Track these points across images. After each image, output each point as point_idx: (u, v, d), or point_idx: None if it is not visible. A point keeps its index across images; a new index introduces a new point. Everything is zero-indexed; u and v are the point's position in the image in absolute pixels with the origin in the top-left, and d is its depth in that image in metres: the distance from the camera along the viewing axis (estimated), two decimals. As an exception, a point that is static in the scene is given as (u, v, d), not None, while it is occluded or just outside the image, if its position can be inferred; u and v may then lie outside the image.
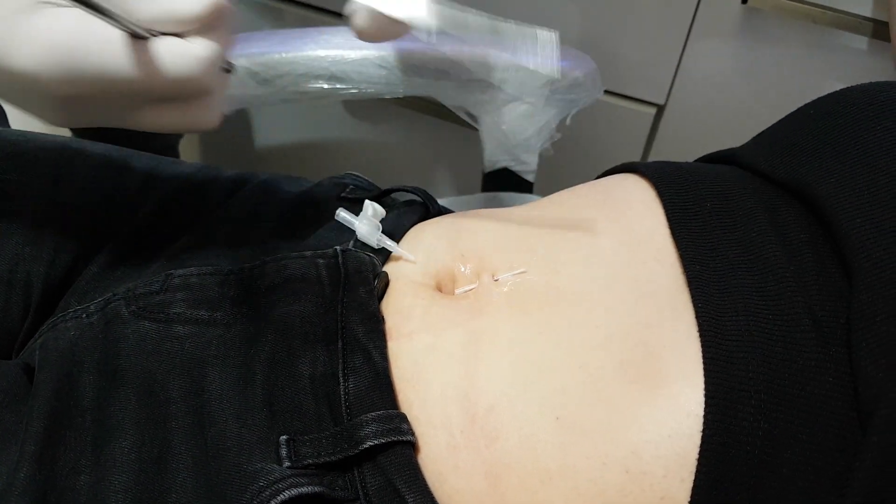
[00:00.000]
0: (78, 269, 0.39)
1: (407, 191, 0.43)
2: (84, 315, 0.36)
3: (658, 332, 0.29)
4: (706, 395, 0.26)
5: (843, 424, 0.25)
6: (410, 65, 0.57)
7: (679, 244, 0.31)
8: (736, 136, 0.41)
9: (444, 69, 0.57)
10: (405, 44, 0.56)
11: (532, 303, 0.31)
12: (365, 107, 0.88)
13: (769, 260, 0.30)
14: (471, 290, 0.34)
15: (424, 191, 0.42)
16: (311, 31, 0.57)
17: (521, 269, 0.33)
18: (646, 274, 0.31)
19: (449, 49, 0.56)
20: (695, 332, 0.28)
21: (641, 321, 0.29)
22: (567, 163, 0.81)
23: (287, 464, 0.29)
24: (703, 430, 0.26)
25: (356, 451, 0.29)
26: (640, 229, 0.33)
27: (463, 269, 0.35)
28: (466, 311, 0.32)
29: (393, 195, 0.45)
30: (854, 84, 0.34)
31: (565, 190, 0.39)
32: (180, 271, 0.35)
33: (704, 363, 0.27)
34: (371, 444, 0.28)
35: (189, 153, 1.15)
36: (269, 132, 0.98)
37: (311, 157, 0.98)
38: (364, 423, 0.29)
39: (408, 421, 0.29)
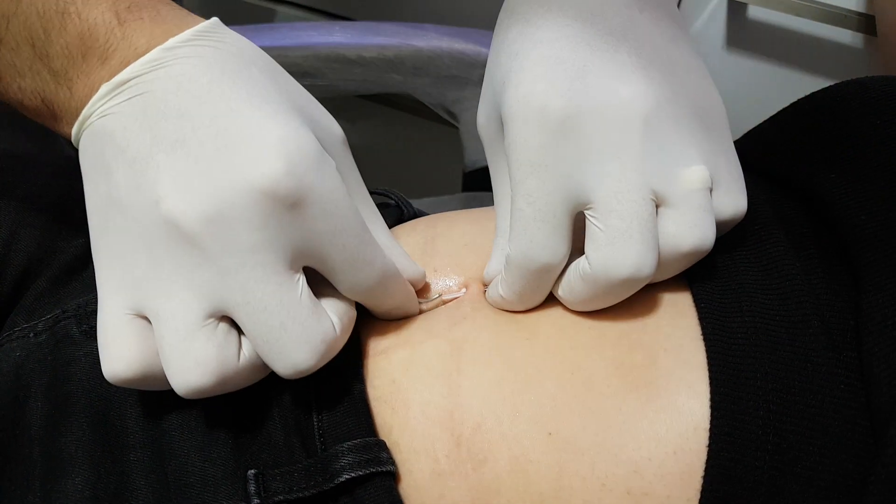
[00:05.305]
0: (26, 283, 0.36)
1: (378, 193, 0.41)
2: (31, 334, 0.33)
3: (655, 331, 0.27)
4: (712, 407, 0.24)
5: (855, 436, 0.24)
6: (387, 60, 0.55)
7: None
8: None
9: (422, 65, 0.55)
10: (382, 38, 0.54)
11: None
12: (339, 104, 0.86)
13: (774, 255, 0.28)
14: (454, 298, 0.31)
15: (397, 192, 0.40)
16: (282, 25, 0.55)
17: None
18: None
19: (426, 43, 0.54)
20: (697, 333, 0.26)
21: (636, 318, 0.27)
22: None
23: (256, 500, 0.27)
24: (710, 446, 0.24)
25: (331, 485, 0.26)
26: None
27: (444, 280, 0.33)
28: (446, 318, 0.30)
29: None
30: (841, 78, 0.33)
31: None
32: None
33: (710, 370, 0.25)
34: (348, 476, 0.26)
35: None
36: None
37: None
38: (339, 454, 0.27)
39: (387, 449, 0.27)
